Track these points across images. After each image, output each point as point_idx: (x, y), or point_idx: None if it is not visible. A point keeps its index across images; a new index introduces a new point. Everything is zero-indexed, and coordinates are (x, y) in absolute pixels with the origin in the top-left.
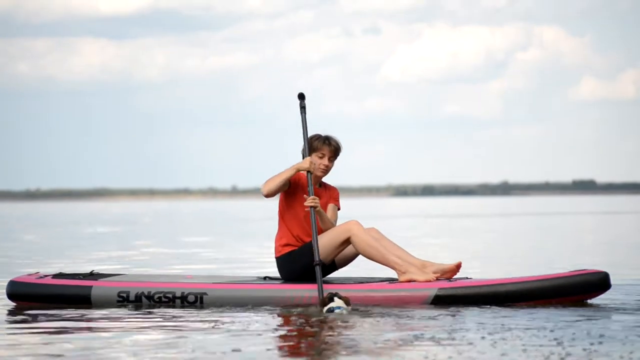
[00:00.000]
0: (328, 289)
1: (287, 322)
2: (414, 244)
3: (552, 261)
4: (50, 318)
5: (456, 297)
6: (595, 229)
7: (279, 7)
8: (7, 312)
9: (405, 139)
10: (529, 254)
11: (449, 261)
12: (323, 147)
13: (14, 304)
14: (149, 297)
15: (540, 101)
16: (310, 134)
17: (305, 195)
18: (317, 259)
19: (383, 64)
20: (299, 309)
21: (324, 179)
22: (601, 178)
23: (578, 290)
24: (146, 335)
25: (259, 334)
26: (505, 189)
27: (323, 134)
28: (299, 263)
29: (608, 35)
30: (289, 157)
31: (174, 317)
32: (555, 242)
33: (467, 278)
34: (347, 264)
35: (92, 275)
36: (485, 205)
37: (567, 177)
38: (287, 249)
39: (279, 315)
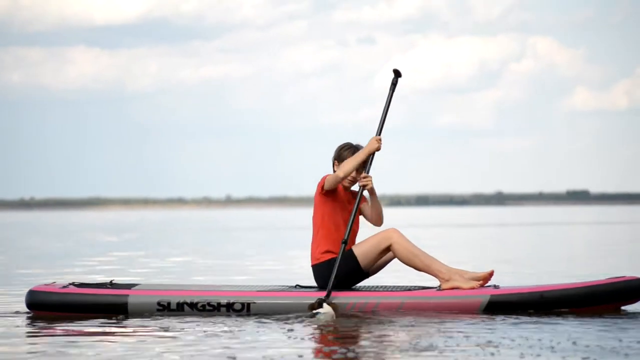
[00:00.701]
0: (368, 295)
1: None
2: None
3: (568, 269)
4: (87, 326)
5: (508, 304)
6: (598, 237)
7: (272, 17)
8: (29, 320)
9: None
10: (540, 263)
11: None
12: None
13: (31, 313)
14: (192, 305)
15: (534, 112)
16: (344, 143)
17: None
18: (346, 237)
19: (377, 74)
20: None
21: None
22: (595, 188)
23: (618, 297)
24: (196, 346)
25: (299, 340)
26: (499, 199)
27: (354, 143)
28: (338, 270)
29: (601, 46)
30: (284, 167)
31: (216, 324)
32: (564, 251)
33: (495, 286)
34: (379, 271)
35: (113, 285)
36: (480, 215)
37: (561, 188)
38: (326, 257)
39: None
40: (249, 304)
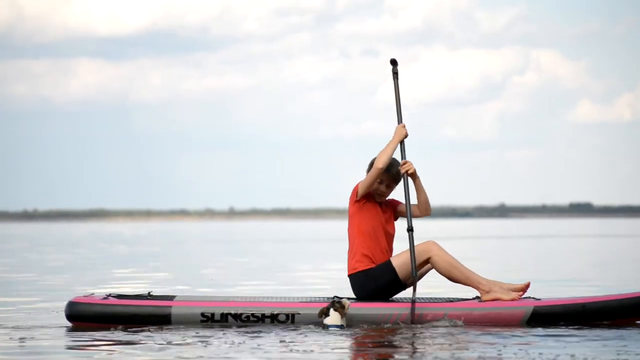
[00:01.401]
0: (404, 307)
1: (377, 336)
2: None
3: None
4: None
5: (551, 316)
6: (607, 250)
7: (276, 29)
8: (72, 332)
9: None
10: (551, 274)
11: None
12: (384, 174)
13: (71, 324)
14: (236, 316)
15: (537, 124)
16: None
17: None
18: (410, 225)
19: (380, 87)
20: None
21: None
22: (598, 201)
23: None
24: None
25: (340, 349)
26: (502, 211)
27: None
28: (376, 281)
29: (604, 59)
30: (287, 179)
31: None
32: (574, 263)
33: (534, 298)
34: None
35: (153, 296)
36: (483, 227)
37: (564, 200)
38: (363, 266)
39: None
40: (293, 315)
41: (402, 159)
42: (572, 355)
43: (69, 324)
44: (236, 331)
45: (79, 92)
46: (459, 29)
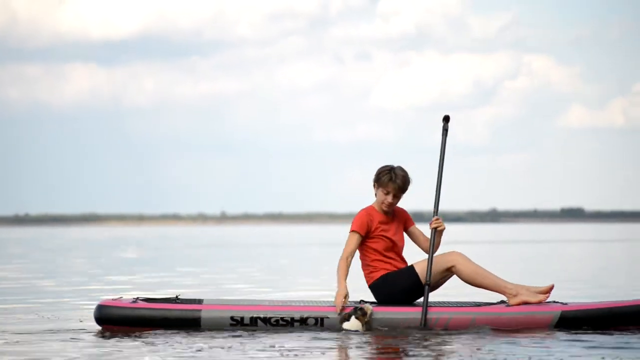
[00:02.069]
0: (440, 311)
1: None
2: None
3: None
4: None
5: (579, 320)
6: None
7: (269, 33)
8: (102, 335)
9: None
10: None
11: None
12: (389, 184)
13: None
14: (265, 320)
15: (529, 129)
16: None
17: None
18: (428, 280)
19: (373, 91)
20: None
21: None
22: (590, 206)
23: None
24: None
25: (369, 352)
26: (493, 216)
27: (396, 166)
28: (399, 285)
29: (597, 64)
30: (279, 183)
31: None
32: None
33: (561, 302)
34: (437, 288)
35: (179, 300)
36: (475, 232)
37: (555, 205)
38: (379, 274)
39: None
40: (322, 319)
41: (434, 215)
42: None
43: (98, 327)
44: (265, 334)
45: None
46: (451, 33)
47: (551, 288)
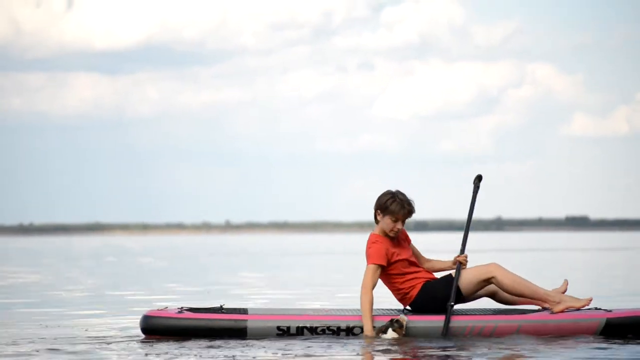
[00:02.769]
0: (486, 319)
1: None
2: None
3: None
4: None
5: (624, 327)
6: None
7: (272, 43)
8: (151, 345)
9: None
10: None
11: None
12: (399, 212)
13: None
14: (312, 329)
15: (533, 137)
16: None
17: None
18: (452, 300)
19: (376, 101)
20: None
21: None
22: (594, 214)
23: None
24: None
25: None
26: (498, 224)
27: (395, 191)
28: (439, 293)
29: (600, 72)
30: (283, 192)
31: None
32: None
33: (604, 310)
34: (475, 300)
35: (224, 310)
36: (480, 241)
37: (560, 214)
38: (416, 290)
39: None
40: None
41: (461, 253)
42: None
43: (142, 336)
44: (314, 343)
45: (75, 106)
46: (454, 42)
47: (590, 300)
